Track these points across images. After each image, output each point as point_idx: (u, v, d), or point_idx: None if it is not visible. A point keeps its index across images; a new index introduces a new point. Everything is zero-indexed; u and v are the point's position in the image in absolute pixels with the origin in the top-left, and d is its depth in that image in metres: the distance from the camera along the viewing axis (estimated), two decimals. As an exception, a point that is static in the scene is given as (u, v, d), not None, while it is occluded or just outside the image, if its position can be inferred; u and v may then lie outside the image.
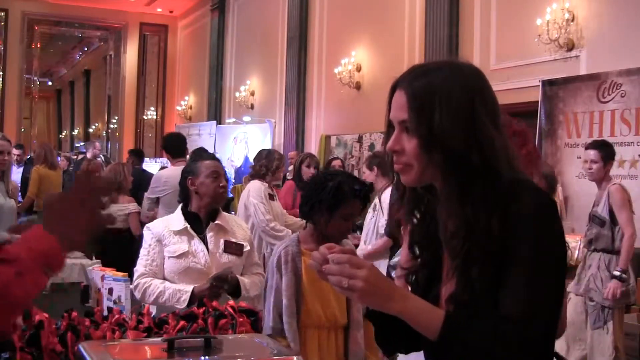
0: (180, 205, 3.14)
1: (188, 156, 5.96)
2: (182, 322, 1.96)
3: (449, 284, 1.36)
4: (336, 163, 6.85)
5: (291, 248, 2.76)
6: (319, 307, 2.73)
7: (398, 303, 1.28)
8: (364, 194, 2.74)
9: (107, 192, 1.34)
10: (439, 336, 1.26)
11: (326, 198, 2.67)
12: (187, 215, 3.07)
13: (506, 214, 1.29)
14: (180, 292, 2.87)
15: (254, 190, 5.11)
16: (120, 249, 5.65)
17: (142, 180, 7.00)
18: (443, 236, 1.37)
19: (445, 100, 1.32)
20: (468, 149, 1.30)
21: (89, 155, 10.98)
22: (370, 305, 1.35)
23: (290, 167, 9.88)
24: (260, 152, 5.62)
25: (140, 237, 3.18)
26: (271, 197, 5.20)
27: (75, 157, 14.37)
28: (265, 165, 5.25)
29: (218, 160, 3.27)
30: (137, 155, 9.79)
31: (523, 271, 1.27)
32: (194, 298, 2.82)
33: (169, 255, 2.97)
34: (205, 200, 3.07)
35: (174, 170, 5.60)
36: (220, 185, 3.09)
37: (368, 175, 5.54)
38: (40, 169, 7.41)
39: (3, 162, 4.30)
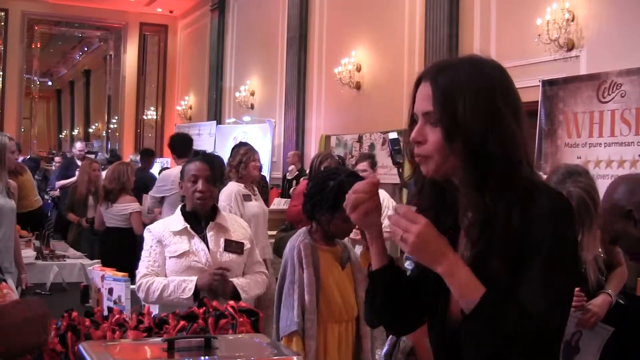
0: (180, 206, 3.14)
1: None
2: (182, 322, 1.96)
3: None
4: (332, 163, 6.80)
5: (308, 241, 2.72)
6: (339, 299, 2.69)
7: (446, 265, 1.32)
8: None
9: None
10: (473, 310, 1.29)
11: (327, 198, 2.64)
12: (187, 215, 3.07)
13: (524, 214, 1.32)
14: (185, 281, 2.87)
15: (224, 193, 4.81)
16: (121, 249, 5.66)
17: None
18: (463, 225, 1.41)
19: (469, 92, 1.36)
20: (487, 138, 1.35)
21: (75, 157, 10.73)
22: (420, 260, 1.38)
23: (291, 167, 9.89)
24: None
25: (142, 236, 3.18)
26: (247, 197, 4.94)
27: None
28: (231, 165, 5.02)
29: (207, 161, 3.14)
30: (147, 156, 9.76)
31: (539, 271, 1.30)
32: (198, 291, 2.83)
33: (170, 255, 2.97)
34: (189, 204, 3.07)
35: (183, 170, 5.59)
36: (197, 189, 3.01)
37: (368, 176, 5.55)
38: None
39: (13, 161, 4.32)
